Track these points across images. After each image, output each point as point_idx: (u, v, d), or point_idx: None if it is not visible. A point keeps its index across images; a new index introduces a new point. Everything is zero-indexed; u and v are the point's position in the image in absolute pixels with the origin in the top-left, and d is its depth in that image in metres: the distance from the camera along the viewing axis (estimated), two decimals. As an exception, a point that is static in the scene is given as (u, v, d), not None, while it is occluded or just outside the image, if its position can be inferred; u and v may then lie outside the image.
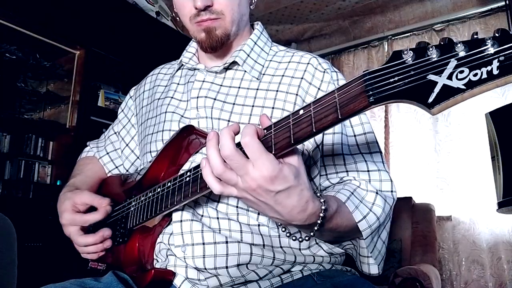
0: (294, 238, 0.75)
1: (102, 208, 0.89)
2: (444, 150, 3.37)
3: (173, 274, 0.81)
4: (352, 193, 0.79)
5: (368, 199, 0.81)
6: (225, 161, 0.60)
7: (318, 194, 0.67)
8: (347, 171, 0.87)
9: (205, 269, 0.78)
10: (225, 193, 0.63)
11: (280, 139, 0.59)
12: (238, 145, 0.60)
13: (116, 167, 1.14)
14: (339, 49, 4.14)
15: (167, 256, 0.84)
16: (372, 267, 0.85)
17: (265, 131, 0.62)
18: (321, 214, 0.66)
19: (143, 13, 3.27)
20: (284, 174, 0.59)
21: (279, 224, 0.78)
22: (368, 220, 0.77)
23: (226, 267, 0.78)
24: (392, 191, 0.87)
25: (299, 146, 0.86)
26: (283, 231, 0.76)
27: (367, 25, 3.88)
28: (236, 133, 0.62)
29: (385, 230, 0.86)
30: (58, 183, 2.66)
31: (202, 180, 0.66)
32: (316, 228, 0.67)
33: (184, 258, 0.80)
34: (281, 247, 0.82)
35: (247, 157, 0.59)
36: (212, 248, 0.78)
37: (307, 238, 0.73)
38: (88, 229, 0.95)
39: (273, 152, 0.59)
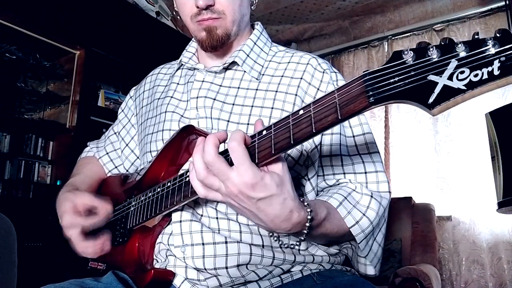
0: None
1: (104, 212, 0.89)
2: (444, 150, 3.37)
3: (173, 275, 0.82)
4: (346, 198, 0.81)
5: (363, 203, 0.82)
6: (208, 167, 0.62)
7: (306, 204, 0.68)
8: (344, 173, 0.88)
9: (205, 269, 0.78)
10: (209, 197, 0.65)
11: (279, 139, 0.59)
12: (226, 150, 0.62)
13: (116, 167, 1.14)
14: (339, 49, 4.14)
15: (166, 256, 0.84)
16: (369, 268, 0.87)
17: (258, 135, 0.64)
18: (307, 224, 0.67)
19: (143, 13, 3.27)
20: (265, 182, 0.60)
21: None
22: (361, 225, 0.79)
23: (226, 268, 0.78)
24: (389, 192, 0.88)
25: (298, 147, 0.87)
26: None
27: (367, 25, 3.88)
28: (222, 141, 0.64)
29: (380, 233, 0.87)
30: (58, 183, 2.66)
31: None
32: (302, 238, 0.69)
33: (184, 259, 0.80)
34: (280, 247, 0.82)
35: (230, 164, 0.61)
36: (212, 248, 0.78)
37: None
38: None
39: (256, 161, 0.60)
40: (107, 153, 1.15)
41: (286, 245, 0.75)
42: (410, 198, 3.14)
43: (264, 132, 0.62)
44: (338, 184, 0.88)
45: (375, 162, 0.89)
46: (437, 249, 2.95)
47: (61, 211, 0.91)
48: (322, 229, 0.74)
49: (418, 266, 2.44)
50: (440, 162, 3.38)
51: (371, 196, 0.83)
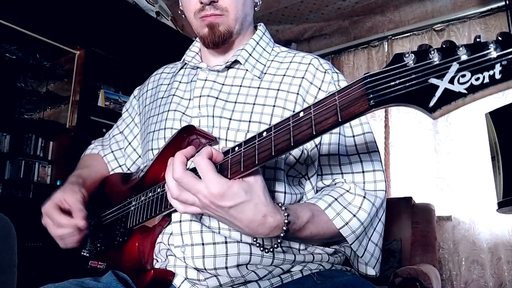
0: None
1: (73, 221, 0.89)
2: (444, 150, 3.37)
3: (173, 274, 0.82)
4: (336, 199, 0.81)
5: (355, 204, 0.82)
6: (179, 184, 0.65)
7: (283, 208, 0.69)
8: (342, 173, 0.88)
9: (205, 269, 0.78)
10: (189, 211, 0.68)
11: (280, 141, 0.59)
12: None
13: (120, 166, 1.15)
14: (339, 49, 4.14)
15: (166, 256, 0.85)
16: (368, 268, 0.87)
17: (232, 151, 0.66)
18: (284, 228, 0.68)
19: (143, 13, 3.27)
20: (233, 191, 0.62)
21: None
22: (350, 226, 0.80)
23: (226, 267, 0.78)
24: (384, 191, 0.89)
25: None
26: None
27: (367, 25, 3.87)
28: (190, 157, 0.68)
29: (376, 232, 0.87)
30: (58, 183, 2.65)
31: None
32: (279, 240, 0.70)
33: (184, 259, 0.80)
34: (280, 247, 0.82)
35: (200, 177, 0.63)
36: (212, 248, 0.79)
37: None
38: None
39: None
40: (112, 152, 1.16)
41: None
42: (410, 198, 3.14)
43: (265, 134, 0.62)
44: (335, 184, 0.88)
45: (374, 161, 0.89)
46: (437, 249, 2.95)
47: (51, 197, 0.94)
48: (306, 231, 0.75)
49: (418, 266, 2.44)
50: (440, 162, 3.38)
51: (364, 197, 0.83)
